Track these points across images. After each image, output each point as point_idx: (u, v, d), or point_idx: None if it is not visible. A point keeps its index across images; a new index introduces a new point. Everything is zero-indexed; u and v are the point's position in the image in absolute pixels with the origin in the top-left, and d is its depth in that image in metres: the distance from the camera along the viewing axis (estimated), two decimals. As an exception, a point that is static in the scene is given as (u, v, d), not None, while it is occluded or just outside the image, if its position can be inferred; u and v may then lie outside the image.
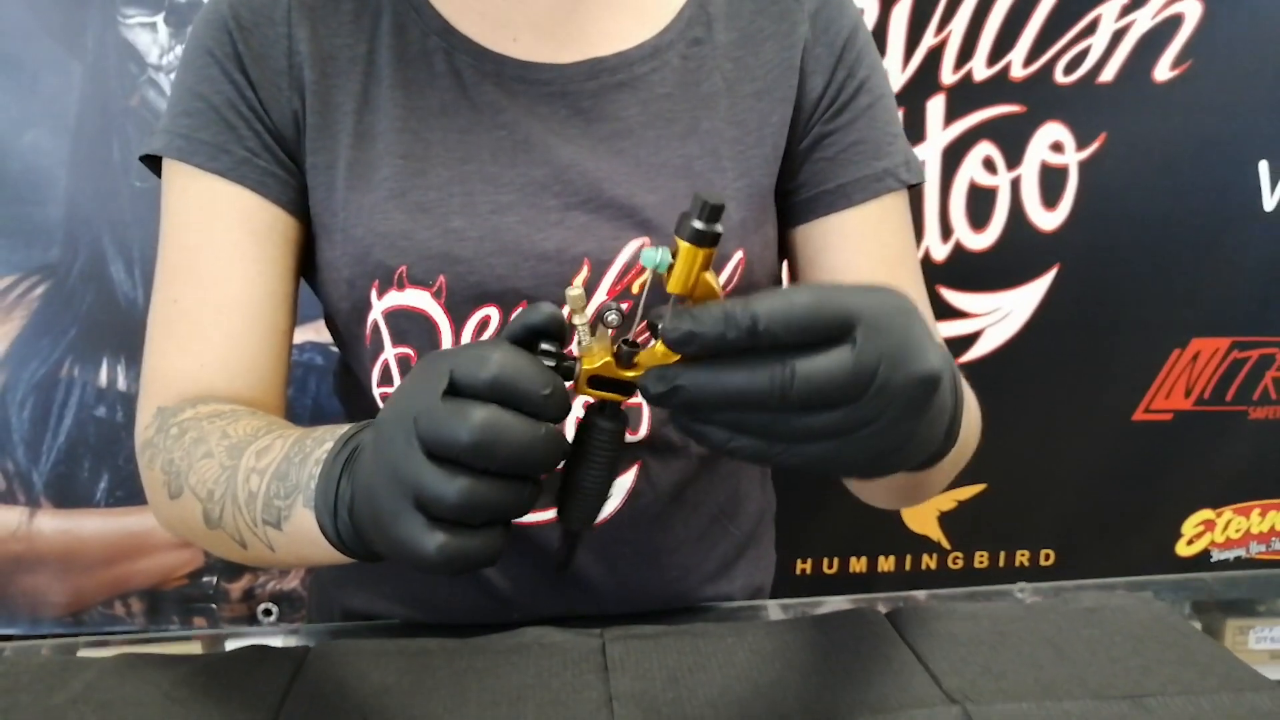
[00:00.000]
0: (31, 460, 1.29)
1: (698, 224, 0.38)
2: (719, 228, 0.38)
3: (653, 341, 0.40)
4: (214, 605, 1.35)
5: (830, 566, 1.43)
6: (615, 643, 0.61)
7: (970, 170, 1.30)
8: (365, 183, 0.62)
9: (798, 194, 0.68)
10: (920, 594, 0.72)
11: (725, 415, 0.38)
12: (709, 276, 0.39)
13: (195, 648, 1.36)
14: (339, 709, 0.55)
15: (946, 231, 1.32)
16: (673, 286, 0.39)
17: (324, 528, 0.44)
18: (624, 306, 0.41)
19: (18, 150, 1.20)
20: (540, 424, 0.37)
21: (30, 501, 1.30)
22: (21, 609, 1.33)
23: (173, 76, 1.20)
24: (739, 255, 0.64)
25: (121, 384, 1.27)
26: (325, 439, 0.47)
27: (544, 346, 0.40)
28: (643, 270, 0.41)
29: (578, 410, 0.41)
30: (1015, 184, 1.31)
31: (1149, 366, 1.39)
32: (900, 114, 1.24)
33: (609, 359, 0.41)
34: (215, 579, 1.35)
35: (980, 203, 1.31)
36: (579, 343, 0.41)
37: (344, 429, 0.46)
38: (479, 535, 0.37)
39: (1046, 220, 1.33)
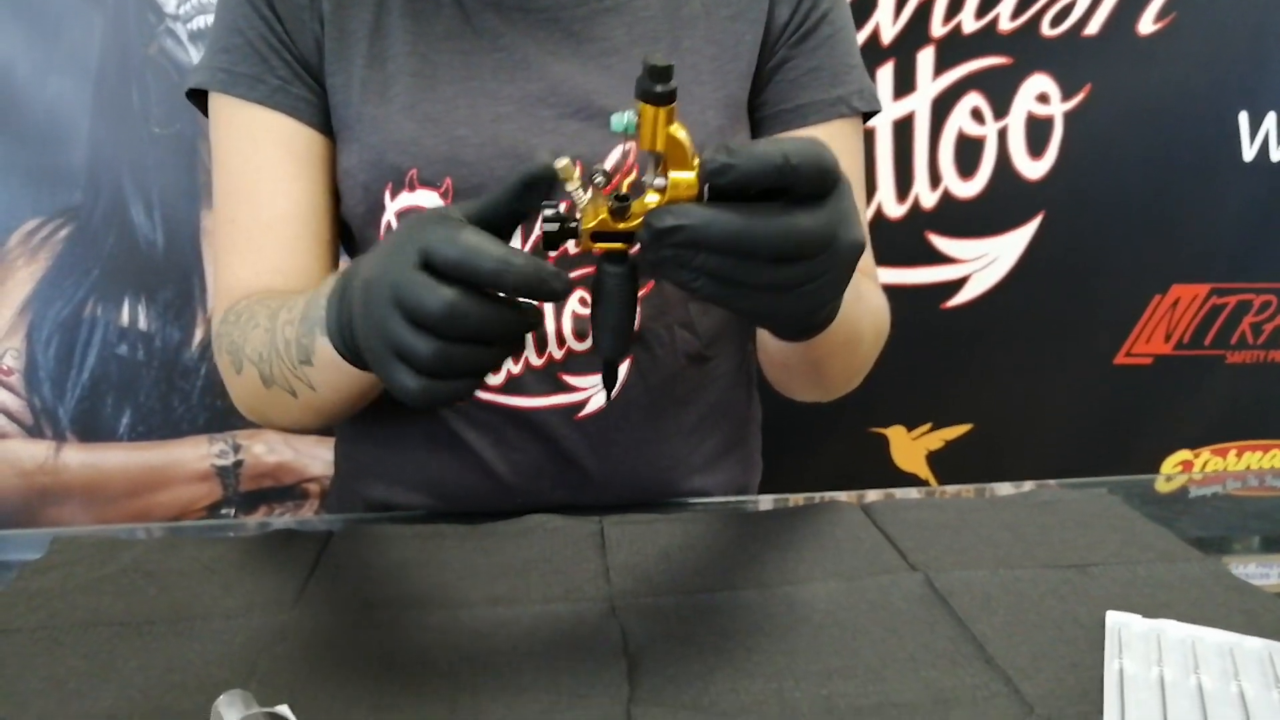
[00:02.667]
0: (57, 396, 1.34)
1: (651, 85, 0.43)
2: (669, 86, 0.43)
3: (644, 195, 0.46)
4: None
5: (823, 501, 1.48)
6: (613, 526, 0.67)
7: (959, 120, 1.34)
8: (379, 98, 0.68)
9: (761, 110, 0.75)
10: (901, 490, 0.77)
11: (706, 259, 0.42)
12: (676, 131, 0.44)
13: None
14: (361, 579, 0.61)
15: (935, 180, 1.36)
16: (643, 144, 0.44)
17: (336, 347, 0.50)
18: (608, 168, 0.46)
19: (42, 97, 1.25)
20: (500, 303, 0.42)
21: (57, 436, 1.35)
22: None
23: (189, 26, 1.25)
24: None
25: (142, 323, 1.32)
26: (333, 279, 0.52)
27: (547, 212, 0.46)
28: (630, 172, 0.45)
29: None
30: (1002, 134, 1.35)
31: (1130, 311, 1.44)
32: (891, 65, 1.31)
33: (605, 215, 0.46)
34: (233, 511, 1.41)
35: (968, 152, 1.35)
36: (577, 205, 0.46)
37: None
38: (452, 382, 0.43)
39: (1032, 169, 1.37)
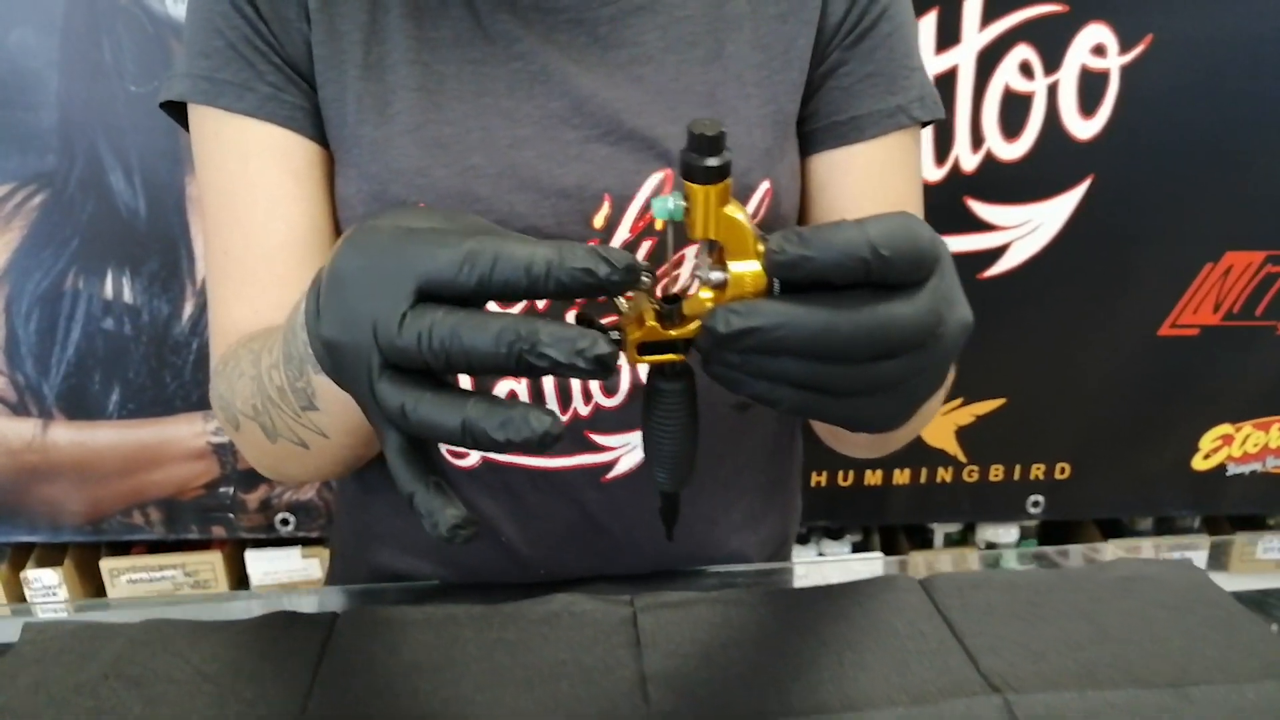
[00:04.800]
0: (41, 373, 1.27)
1: (698, 159, 0.35)
2: (721, 159, 0.35)
3: (693, 289, 0.39)
4: (231, 515, 1.36)
5: (845, 479, 1.43)
6: (646, 613, 0.61)
7: (1006, 75, 1.24)
8: (378, 116, 0.60)
9: (809, 123, 0.66)
10: (967, 556, 0.71)
11: (785, 365, 0.36)
12: (732, 211, 0.36)
13: (216, 558, 1.39)
14: (368, 692, 0.54)
15: (978, 140, 1.26)
16: (697, 233, 0.37)
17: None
18: (647, 262, 0.39)
19: (4, 50, 1.15)
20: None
21: (43, 414, 1.29)
22: (42, 518, 1.34)
23: (165, -29, 1.14)
24: (765, 185, 0.62)
25: (128, 296, 1.25)
26: (302, 300, 0.44)
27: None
28: (680, 263, 0.38)
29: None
30: (1052, 90, 1.24)
31: (1179, 280, 1.35)
32: (934, 15, 1.19)
33: (653, 323, 0.38)
34: (232, 489, 1.35)
35: (1014, 110, 1.24)
36: (621, 312, 0.39)
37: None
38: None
39: (1083, 129, 1.27)
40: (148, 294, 1.25)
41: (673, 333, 0.38)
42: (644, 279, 0.36)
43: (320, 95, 0.61)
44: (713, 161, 0.35)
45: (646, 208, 0.60)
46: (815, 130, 0.65)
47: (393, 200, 0.59)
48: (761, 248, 0.36)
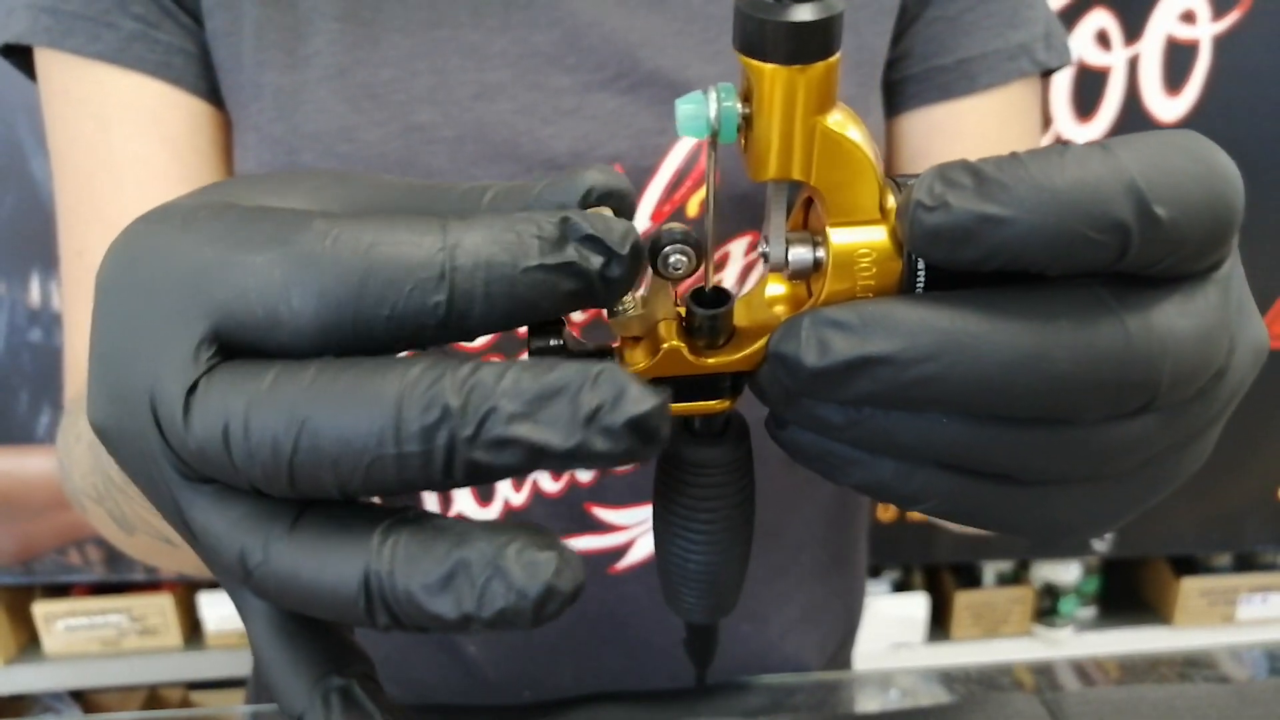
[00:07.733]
0: (-43, 391, 1.11)
1: (774, 11, 0.18)
2: (828, 6, 0.18)
3: (763, 287, 0.23)
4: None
5: (886, 510, 1.26)
6: (671, 763, 0.43)
7: (1080, 47, 1.12)
8: (287, 57, 0.43)
9: (901, 68, 0.49)
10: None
11: (929, 426, 0.20)
12: (840, 126, 0.19)
13: (166, 601, 1.22)
14: None
15: (1045, 121, 1.10)
16: (768, 168, 0.20)
17: None
18: (684, 228, 0.21)
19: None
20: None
21: (-39, 439, 1.13)
22: (-37, 557, 1.17)
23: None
24: None
25: (57, 303, 1.09)
26: None
27: (537, 340, 0.21)
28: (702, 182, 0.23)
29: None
30: (1133, 63, 1.12)
31: (1271, 285, 1.20)
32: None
33: (676, 343, 0.21)
34: (183, 524, 1.19)
35: (1089, 86, 1.11)
36: (615, 312, 0.21)
37: None
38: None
39: (1167, 109, 1.14)
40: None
41: (710, 360, 0.22)
42: (674, 259, 0.20)
43: (208, 30, 0.44)
44: (804, 14, 0.18)
45: (676, 182, 0.43)
46: (909, 78, 0.48)
47: None
48: (893, 202, 0.20)
